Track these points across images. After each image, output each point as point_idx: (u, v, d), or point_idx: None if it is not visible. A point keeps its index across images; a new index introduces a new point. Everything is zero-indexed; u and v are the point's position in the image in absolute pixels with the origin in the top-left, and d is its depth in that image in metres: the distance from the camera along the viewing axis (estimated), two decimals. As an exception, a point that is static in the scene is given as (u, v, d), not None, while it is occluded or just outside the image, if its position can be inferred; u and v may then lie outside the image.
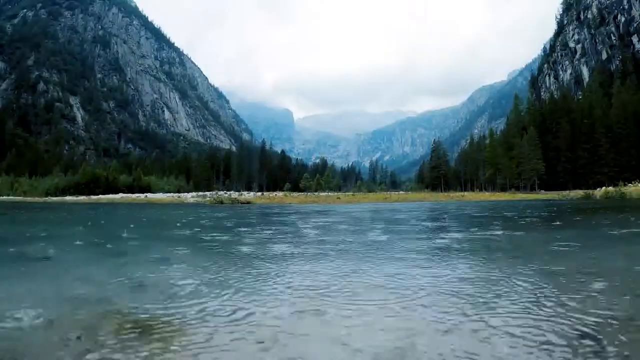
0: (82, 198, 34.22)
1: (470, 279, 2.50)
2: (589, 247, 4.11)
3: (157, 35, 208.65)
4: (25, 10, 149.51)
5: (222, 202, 22.90)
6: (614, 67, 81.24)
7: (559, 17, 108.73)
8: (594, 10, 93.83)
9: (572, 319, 1.67)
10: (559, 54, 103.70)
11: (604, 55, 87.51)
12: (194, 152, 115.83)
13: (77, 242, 5.22)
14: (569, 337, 1.47)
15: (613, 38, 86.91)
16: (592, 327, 1.57)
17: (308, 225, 7.45)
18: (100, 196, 36.27)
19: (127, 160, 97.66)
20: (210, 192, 38.57)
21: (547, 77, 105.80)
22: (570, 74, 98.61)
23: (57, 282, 2.70)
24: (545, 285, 2.28)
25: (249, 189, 64.64)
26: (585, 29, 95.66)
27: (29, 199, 37.76)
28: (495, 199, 26.84)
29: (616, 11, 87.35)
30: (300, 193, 45.77)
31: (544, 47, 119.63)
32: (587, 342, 1.43)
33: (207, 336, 1.54)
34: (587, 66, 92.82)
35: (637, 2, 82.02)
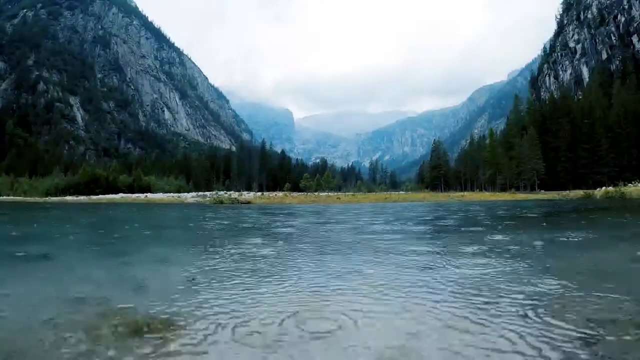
0: (82, 198, 34.22)
1: (470, 280, 2.50)
2: (590, 247, 4.11)
3: (157, 35, 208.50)
4: (25, 10, 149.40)
5: (222, 202, 22.91)
6: (614, 67, 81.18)
7: (559, 17, 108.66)
8: (594, 10, 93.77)
9: (572, 320, 1.67)
10: (559, 54, 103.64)
11: (604, 55, 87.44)
12: (194, 152, 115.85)
13: (77, 242, 5.22)
14: (570, 338, 1.47)
15: (613, 38, 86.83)
16: (593, 327, 1.57)
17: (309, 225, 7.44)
18: (101, 196, 36.27)
19: (127, 160, 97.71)
20: (210, 192, 38.58)
21: (547, 77, 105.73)
22: (570, 74, 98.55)
23: (57, 282, 2.70)
24: (545, 285, 2.28)
25: (249, 189, 64.66)
26: (585, 29, 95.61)
27: (29, 199, 37.75)
28: (495, 199, 26.85)
29: (616, 11, 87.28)
30: (300, 193, 45.75)
31: (544, 47, 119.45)
32: (588, 342, 1.43)
33: (207, 336, 1.53)
34: (587, 66, 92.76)
35: (637, 2, 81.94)
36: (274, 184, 75.98)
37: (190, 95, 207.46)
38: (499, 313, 1.78)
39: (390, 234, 5.70)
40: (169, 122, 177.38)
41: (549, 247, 3.94)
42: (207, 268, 3.02)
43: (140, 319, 1.73)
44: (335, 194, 43.73)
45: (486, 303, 1.95)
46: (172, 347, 1.44)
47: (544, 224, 7.58)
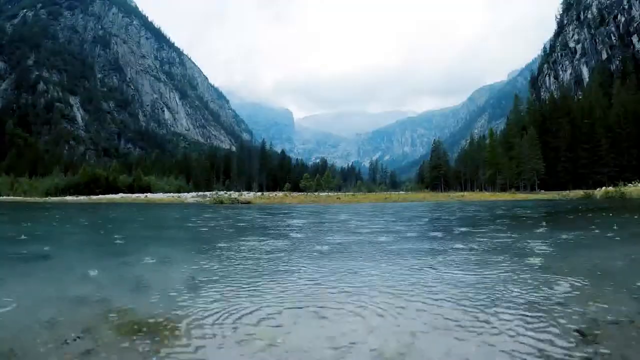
0: (82, 198, 34.22)
1: (470, 280, 2.50)
2: (590, 247, 4.11)
3: (157, 35, 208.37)
4: (25, 10, 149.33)
5: (222, 202, 22.92)
6: (614, 67, 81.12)
7: (559, 17, 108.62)
8: (594, 10, 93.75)
9: (572, 320, 1.67)
10: (559, 54, 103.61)
11: (604, 55, 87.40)
12: (194, 152, 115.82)
13: (77, 242, 5.22)
14: (569, 338, 1.47)
15: (613, 38, 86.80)
16: (593, 327, 1.57)
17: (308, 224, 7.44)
18: (101, 196, 36.28)
19: (127, 160, 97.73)
20: (210, 192, 38.58)
21: (547, 77, 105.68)
22: (570, 74, 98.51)
23: (57, 282, 2.70)
24: (545, 285, 2.28)
25: (249, 189, 64.66)
26: (585, 29, 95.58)
27: (29, 199, 37.74)
28: (495, 199, 26.85)
29: (616, 11, 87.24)
30: (300, 193, 45.74)
31: (544, 47, 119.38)
32: (588, 342, 1.43)
33: (207, 336, 1.54)
34: (587, 66, 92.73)
35: (637, 2, 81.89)
36: (274, 184, 75.98)
37: (190, 95, 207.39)
38: (499, 313, 1.78)
39: (389, 234, 5.70)
40: (169, 122, 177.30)
41: (549, 247, 3.94)
42: (207, 268, 3.02)
43: (140, 319, 1.73)
44: (335, 194, 43.71)
45: (486, 303, 1.95)
46: (172, 347, 1.43)
47: (544, 224, 7.58)
